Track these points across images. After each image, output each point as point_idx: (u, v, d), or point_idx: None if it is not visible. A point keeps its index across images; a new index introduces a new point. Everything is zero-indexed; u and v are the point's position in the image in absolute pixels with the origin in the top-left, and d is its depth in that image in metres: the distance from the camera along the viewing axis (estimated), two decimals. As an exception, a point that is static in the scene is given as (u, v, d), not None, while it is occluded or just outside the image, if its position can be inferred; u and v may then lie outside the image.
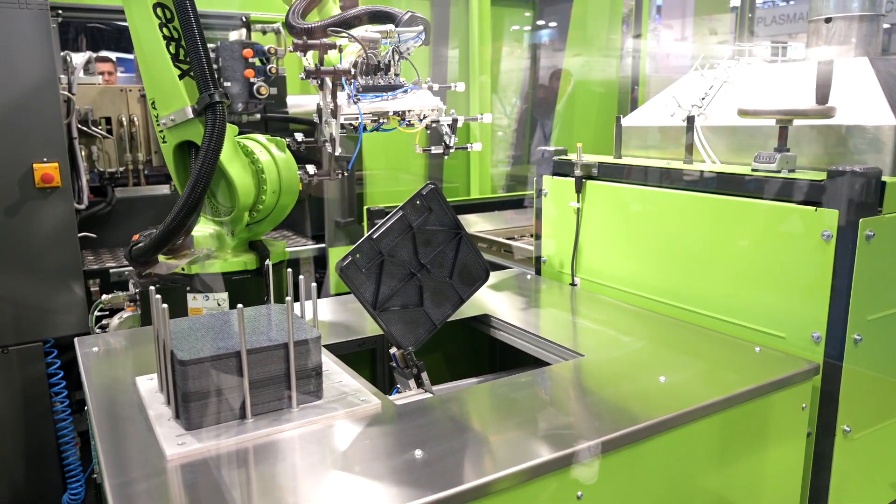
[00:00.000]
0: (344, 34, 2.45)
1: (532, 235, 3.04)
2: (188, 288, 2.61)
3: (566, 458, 1.42)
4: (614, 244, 2.59)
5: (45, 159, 2.74)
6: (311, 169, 2.72)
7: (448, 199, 1.87)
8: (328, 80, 2.27)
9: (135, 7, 2.35)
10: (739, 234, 2.14)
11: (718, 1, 6.19)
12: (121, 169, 3.37)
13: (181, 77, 2.38)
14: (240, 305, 1.47)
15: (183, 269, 2.60)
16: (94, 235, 3.26)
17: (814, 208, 1.94)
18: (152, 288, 1.59)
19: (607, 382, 1.83)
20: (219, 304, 2.63)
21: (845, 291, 1.89)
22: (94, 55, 3.43)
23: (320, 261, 3.72)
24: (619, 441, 1.50)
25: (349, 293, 1.78)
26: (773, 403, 1.81)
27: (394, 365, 1.84)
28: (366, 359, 2.25)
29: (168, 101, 2.41)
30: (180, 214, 2.33)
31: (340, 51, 2.40)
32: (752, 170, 2.14)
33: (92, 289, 3.02)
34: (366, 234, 1.78)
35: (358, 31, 2.46)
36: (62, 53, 3.14)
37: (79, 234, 2.90)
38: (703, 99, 2.59)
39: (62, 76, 3.03)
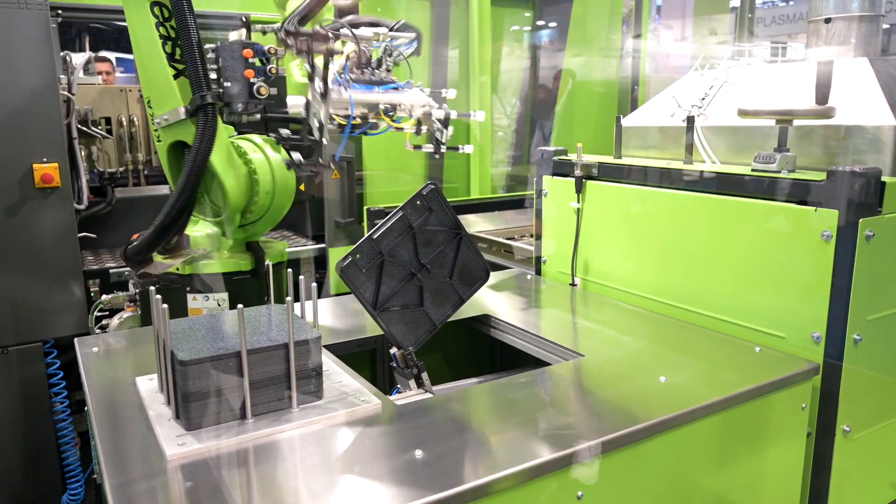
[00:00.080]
0: (340, 31, 2.44)
1: (532, 235, 3.04)
2: (188, 288, 2.62)
3: (566, 459, 1.42)
4: (614, 244, 2.59)
5: (44, 159, 2.74)
6: (296, 156, 2.70)
7: (448, 200, 1.86)
8: (318, 62, 2.23)
9: (133, 5, 2.35)
10: (739, 234, 2.14)
11: (718, 1, 6.19)
12: (120, 169, 3.38)
13: (176, 77, 2.38)
14: (240, 305, 1.47)
15: (178, 269, 2.60)
16: (93, 236, 3.26)
17: (813, 208, 1.94)
18: (152, 288, 1.59)
19: (607, 382, 1.83)
20: (219, 305, 2.63)
21: (845, 291, 1.89)
22: (94, 55, 3.44)
23: (320, 261, 3.72)
24: (620, 441, 1.50)
25: (349, 293, 1.78)
26: (772, 403, 1.81)
27: (394, 365, 1.84)
28: (366, 359, 2.25)
29: (162, 100, 2.42)
30: (171, 214, 2.34)
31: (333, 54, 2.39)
32: (752, 170, 2.14)
33: (92, 289, 3.02)
34: (366, 235, 1.78)
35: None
36: (62, 53, 3.14)
37: (79, 235, 2.90)
38: (703, 99, 2.59)
39: (62, 76, 3.03)
